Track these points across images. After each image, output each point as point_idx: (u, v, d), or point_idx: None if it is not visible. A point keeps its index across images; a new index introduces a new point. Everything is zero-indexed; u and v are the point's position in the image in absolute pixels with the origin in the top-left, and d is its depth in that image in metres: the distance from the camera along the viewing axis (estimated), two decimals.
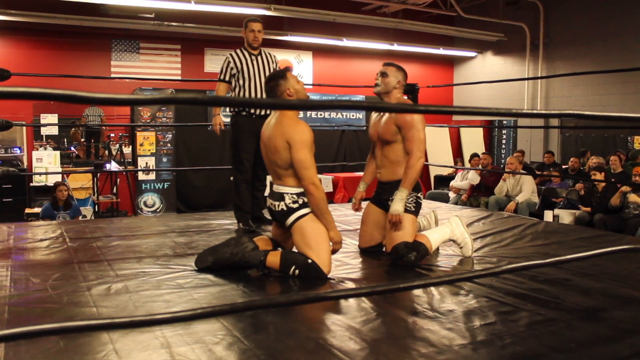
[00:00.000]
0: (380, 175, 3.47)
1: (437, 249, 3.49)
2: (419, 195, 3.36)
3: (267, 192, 4.44)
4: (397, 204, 3.22)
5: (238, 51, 4.38)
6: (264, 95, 4.26)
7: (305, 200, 3.01)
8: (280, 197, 3.05)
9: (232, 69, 4.32)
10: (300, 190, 3.02)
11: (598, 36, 9.26)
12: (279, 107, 1.77)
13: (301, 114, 10.03)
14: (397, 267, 3.15)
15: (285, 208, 3.03)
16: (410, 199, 3.30)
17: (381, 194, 3.45)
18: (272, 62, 4.44)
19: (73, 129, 9.49)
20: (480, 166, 8.57)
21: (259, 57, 4.38)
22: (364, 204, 3.67)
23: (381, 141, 3.41)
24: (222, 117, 4.47)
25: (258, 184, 4.41)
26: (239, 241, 3.01)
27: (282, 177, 3.05)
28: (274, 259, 2.95)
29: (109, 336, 2.05)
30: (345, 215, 4.79)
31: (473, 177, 8.41)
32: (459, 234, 3.35)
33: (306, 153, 2.93)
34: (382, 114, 3.44)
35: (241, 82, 4.30)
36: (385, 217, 3.35)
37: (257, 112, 4.25)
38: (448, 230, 3.35)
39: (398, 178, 3.34)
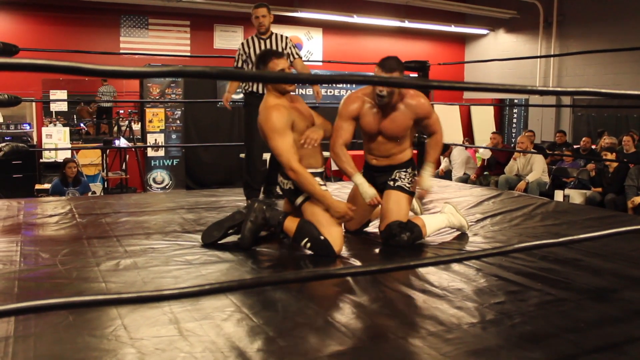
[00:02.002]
0: (377, 162, 3.31)
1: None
2: (415, 172, 3.31)
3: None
4: (429, 180, 3.21)
5: (249, 38, 4.52)
6: None
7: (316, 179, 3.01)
8: (288, 175, 3.03)
9: (241, 55, 4.47)
10: (314, 170, 3.03)
11: (612, 14, 9.10)
12: (287, 80, 1.75)
13: (309, 88, 9.98)
14: (402, 248, 3.13)
15: (292, 187, 3.03)
16: (410, 178, 3.25)
17: (375, 178, 3.30)
18: (282, 42, 4.50)
19: (79, 106, 9.47)
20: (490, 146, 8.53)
21: (268, 41, 4.47)
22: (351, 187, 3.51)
23: (385, 137, 3.23)
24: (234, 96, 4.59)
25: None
26: (254, 207, 3.00)
27: None
28: (291, 224, 2.96)
29: (117, 311, 2.05)
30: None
31: (484, 152, 8.43)
32: (456, 221, 3.34)
33: (276, 140, 2.90)
34: (381, 109, 3.16)
35: (250, 65, 4.40)
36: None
37: (262, 92, 4.33)
38: (445, 219, 3.31)
39: (397, 162, 3.28)
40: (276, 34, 4.53)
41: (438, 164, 9.46)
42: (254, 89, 4.39)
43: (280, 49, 4.45)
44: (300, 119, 3.01)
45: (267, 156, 4.21)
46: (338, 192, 4.80)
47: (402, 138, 3.26)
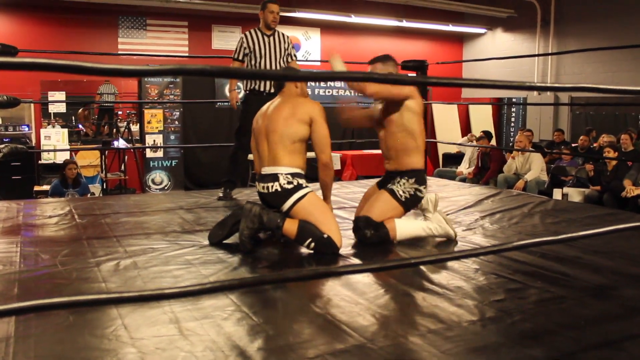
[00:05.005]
0: (389, 165, 3.35)
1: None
2: (421, 188, 3.23)
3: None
4: (337, 63, 3.30)
5: (252, 31, 4.54)
6: None
7: (300, 181, 3.00)
8: (274, 178, 3.02)
9: (245, 48, 4.49)
10: (300, 170, 3.02)
11: (610, 12, 9.11)
12: (287, 78, 1.75)
13: (308, 89, 9.99)
14: (401, 245, 3.14)
15: (279, 189, 2.99)
16: (409, 189, 3.20)
17: (386, 181, 3.35)
18: (284, 42, 4.58)
19: (80, 110, 9.46)
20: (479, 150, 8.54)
21: (272, 38, 4.52)
22: (372, 182, 3.62)
23: (383, 127, 3.30)
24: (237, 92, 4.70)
25: None
26: (250, 211, 2.94)
27: (278, 157, 3.04)
28: (291, 227, 2.92)
29: (117, 311, 2.06)
30: (353, 193, 4.78)
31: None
32: (442, 232, 3.21)
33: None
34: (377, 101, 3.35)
35: (253, 61, 4.47)
36: None
37: (267, 90, 4.40)
38: (425, 227, 3.20)
39: (404, 168, 3.24)
40: (279, 32, 4.59)
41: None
42: (257, 87, 4.44)
43: (282, 48, 4.53)
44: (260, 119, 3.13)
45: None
46: (337, 191, 4.81)
47: (398, 126, 3.22)
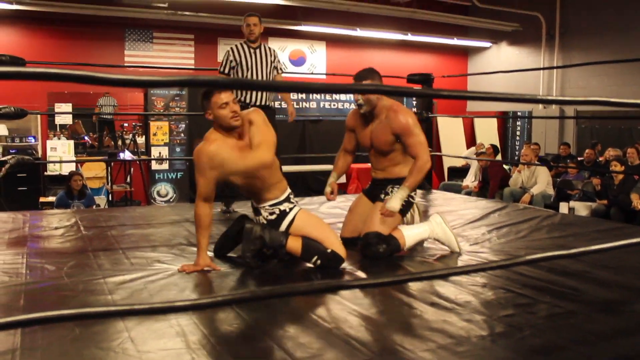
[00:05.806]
0: (376, 174, 3.40)
1: (422, 242, 3.36)
2: (412, 194, 3.26)
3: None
4: (396, 202, 3.10)
5: (238, 45, 4.60)
6: None
7: (282, 208, 2.95)
8: (257, 212, 3.01)
9: (231, 61, 4.55)
10: (275, 200, 2.96)
11: (615, 26, 9.13)
12: (291, 89, 1.75)
13: (313, 102, 10.01)
14: (409, 259, 3.12)
15: (265, 221, 2.97)
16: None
17: (375, 189, 3.37)
18: (270, 55, 4.64)
19: (70, 124, 9.41)
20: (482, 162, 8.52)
21: (258, 50, 4.58)
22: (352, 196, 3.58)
23: (375, 150, 3.32)
24: None
25: None
26: (250, 233, 2.87)
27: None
28: (295, 244, 2.90)
29: (124, 324, 2.04)
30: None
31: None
32: (440, 233, 3.22)
33: (197, 176, 2.86)
34: (370, 122, 3.29)
35: (240, 74, 4.51)
36: None
37: (252, 102, 4.42)
38: (427, 228, 3.22)
39: (394, 177, 3.28)
40: (265, 45, 4.66)
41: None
42: (242, 99, 4.43)
43: (268, 61, 4.60)
44: (236, 160, 2.82)
45: None
46: (342, 204, 4.80)
47: (392, 152, 3.25)
